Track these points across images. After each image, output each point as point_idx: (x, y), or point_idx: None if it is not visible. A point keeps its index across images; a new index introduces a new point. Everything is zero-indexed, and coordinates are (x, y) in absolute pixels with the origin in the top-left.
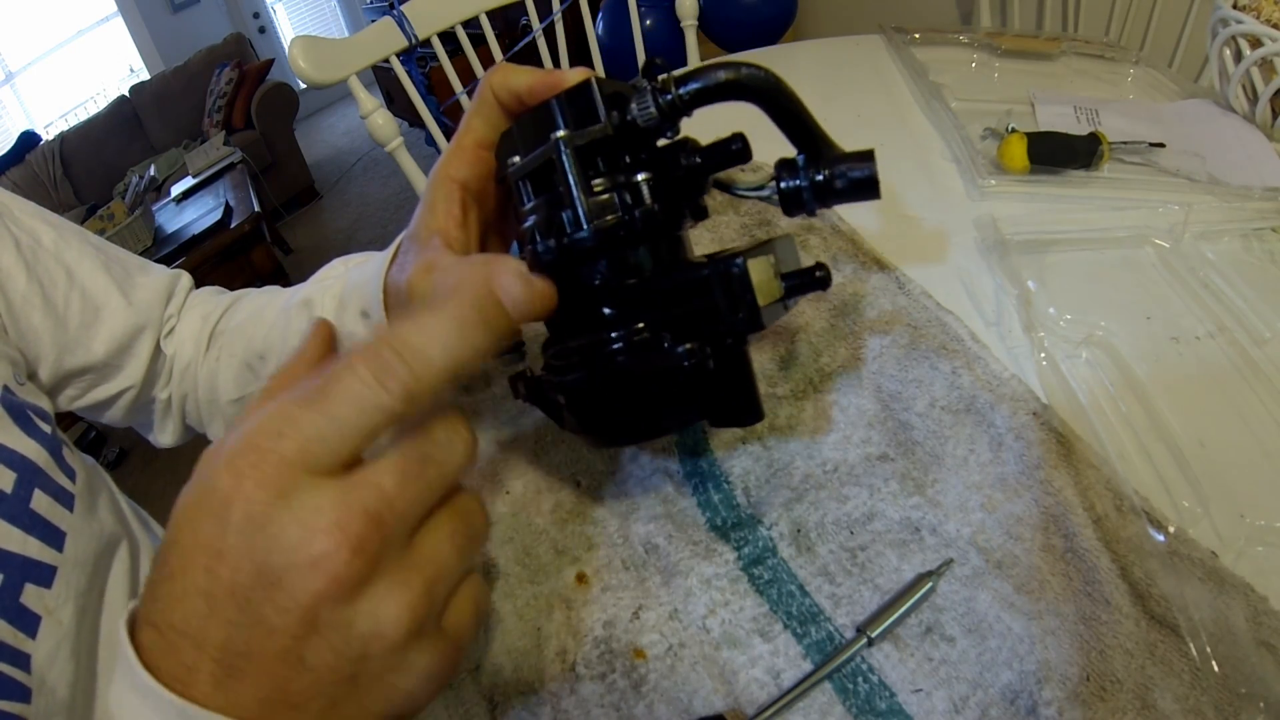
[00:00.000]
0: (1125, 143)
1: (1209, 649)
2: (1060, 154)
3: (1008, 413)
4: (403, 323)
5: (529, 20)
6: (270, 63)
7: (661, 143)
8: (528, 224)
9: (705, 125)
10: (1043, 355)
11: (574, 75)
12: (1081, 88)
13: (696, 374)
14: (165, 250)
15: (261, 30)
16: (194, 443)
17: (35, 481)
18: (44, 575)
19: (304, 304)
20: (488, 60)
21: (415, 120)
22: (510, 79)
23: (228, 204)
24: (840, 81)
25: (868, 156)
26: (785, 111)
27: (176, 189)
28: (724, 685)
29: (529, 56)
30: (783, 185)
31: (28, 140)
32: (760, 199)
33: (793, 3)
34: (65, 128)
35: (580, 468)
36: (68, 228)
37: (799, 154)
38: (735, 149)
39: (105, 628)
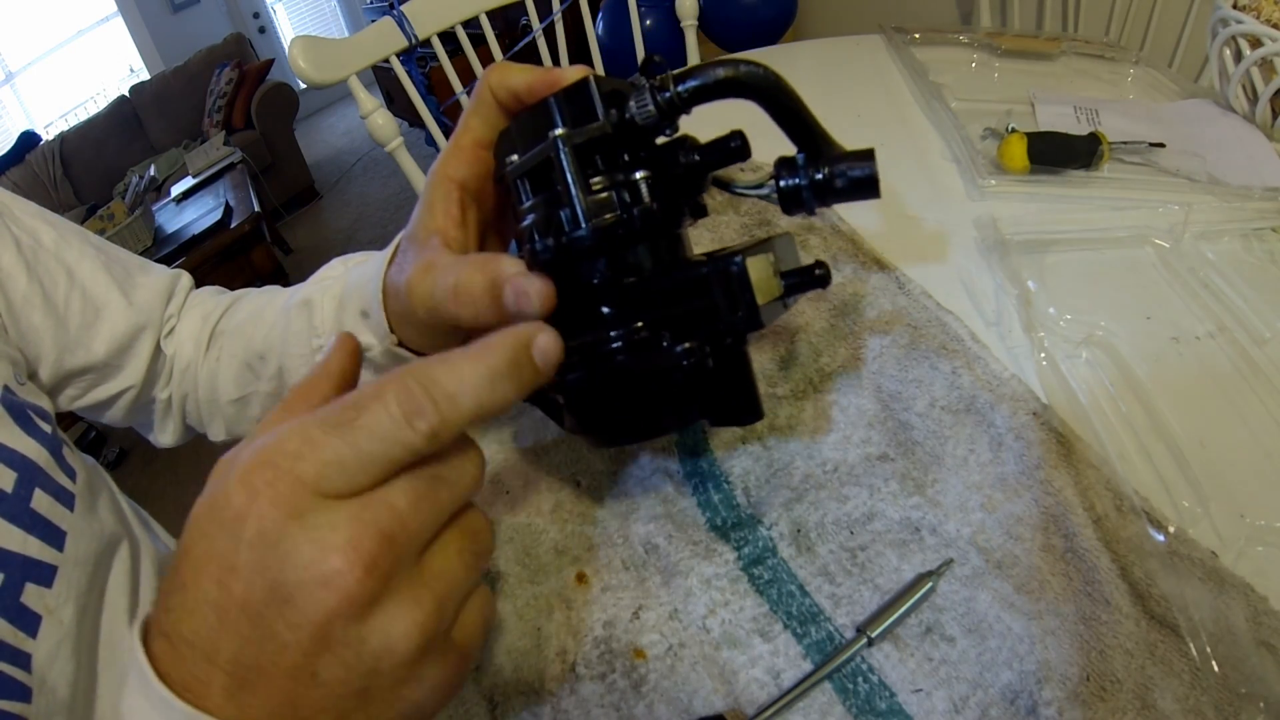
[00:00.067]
0: (1125, 143)
1: (1209, 649)
2: (1060, 154)
3: (1008, 413)
4: (436, 364)
5: (529, 20)
6: (270, 63)
7: (660, 141)
8: (526, 223)
9: (704, 124)
10: (1043, 355)
11: (572, 73)
12: (1081, 88)
13: (696, 373)
14: (165, 250)
15: (261, 30)
16: (194, 443)
17: (36, 481)
18: (44, 575)
19: (303, 304)
20: (488, 60)
21: (415, 120)
22: (508, 77)
23: (228, 204)
24: (840, 81)
25: (868, 155)
26: (785, 109)
27: (176, 189)
28: (724, 685)
29: (529, 56)
30: (782, 184)
31: (28, 140)
32: (759, 197)
33: (793, 3)
34: (65, 128)
35: (580, 468)
36: (68, 228)
37: (798, 152)
38: (734, 147)
39: (106, 627)
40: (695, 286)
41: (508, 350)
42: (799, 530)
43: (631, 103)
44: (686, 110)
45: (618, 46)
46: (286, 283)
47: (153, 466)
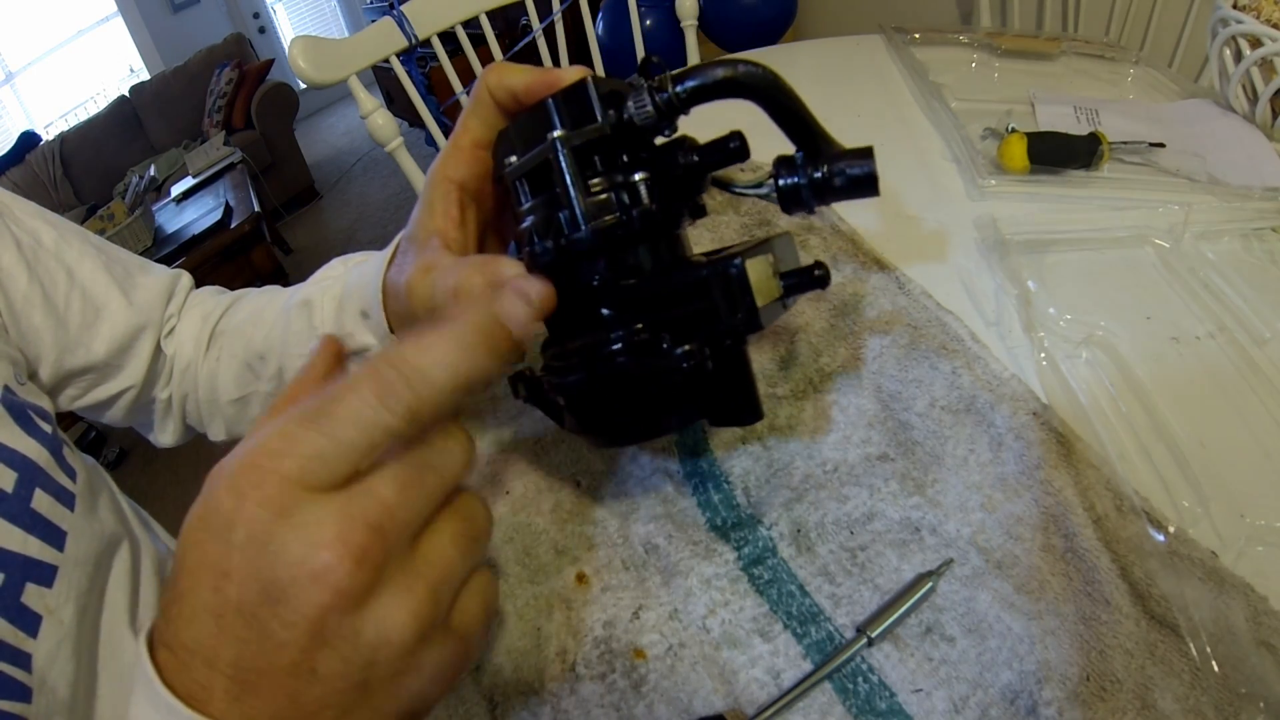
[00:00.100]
0: (1125, 143)
1: (1209, 649)
2: (1060, 154)
3: (1008, 413)
4: (406, 343)
5: (529, 20)
6: (270, 63)
7: (659, 141)
8: (525, 224)
9: (704, 124)
10: (1043, 355)
11: (570, 74)
12: (1081, 88)
13: (695, 375)
14: (165, 250)
15: (261, 30)
16: (194, 443)
17: (36, 481)
18: (45, 575)
19: (303, 304)
20: (488, 60)
21: (415, 120)
22: (506, 78)
23: (228, 204)
24: (840, 81)
25: (867, 154)
26: (783, 109)
27: (176, 189)
28: (724, 685)
29: (529, 56)
30: (781, 183)
31: (28, 140)
32: (759, 197)
33: (793, 3)
34: (65, 128)
35: (580, 468)
36: (68, 228)
37: (797, 151)
38: (733, 147)
39: (106, 627)
40: (695, 288)
41: (477, 320)
42: (799, 530)
43: (630, 103)
44: (685, 111)
45: (618, 46)
46: (286, 283)
47: (153, 466)
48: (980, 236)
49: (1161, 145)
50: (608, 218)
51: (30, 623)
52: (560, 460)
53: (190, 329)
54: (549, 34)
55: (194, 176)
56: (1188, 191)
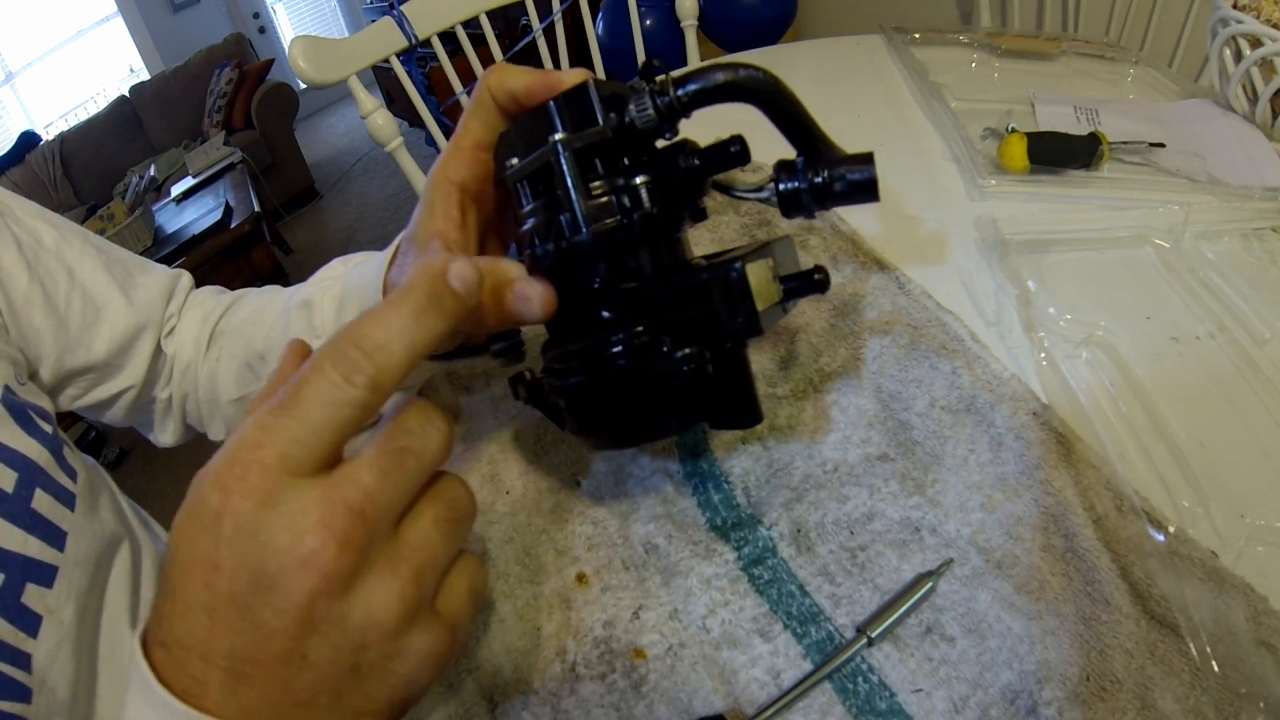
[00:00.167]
0: (1125, 143)
1: (1209, 649)
2: (1060, 154)
3: (1008, 413)
4: (362, 319)
5: (529, 20)
6: (270, 63)
7: (660, 144)
8: (526, 227)
9: (705, 124)
10: (1043, 355)
11: (571, 76)
12: (1081, 88)
13: (696, 378)
14: (165, 250)
15: (261, 30)
16: (194, 443)
17: (36, 481)
18: (45, 575)
19: (303, 305)
20: (488, 60)
21: (415, 120)
22: (507, 80)
23: (228, 204)
24: (840, 81)
25: (867, 159)
26: (784, 113)
27: (176, 189)
28: (724, 685)
29: (529, 56)
30: (781, 187)
31: (28, 140)
32: (759, 200)
33: (793, 3)
34: (65, 128)
35: (580, 468)
36: (69, 227)
37: (798, 156)
38: (734, 151)
39: (106, 627)
40: (695, 292)
41: (425, 286)
42: (799, 530)
43: (631, 107)
44: (686, 114)
45: (618, 46)
46: (286, 283)
47: (153, 466)
48: (980, 236)
49: (1161, 145)
50: (609, 221)
51: (30, 623)
52: (560, 460)
53: (190, 329)
54: (549, 34)
55: (194, 176)
56: (1188, 191)
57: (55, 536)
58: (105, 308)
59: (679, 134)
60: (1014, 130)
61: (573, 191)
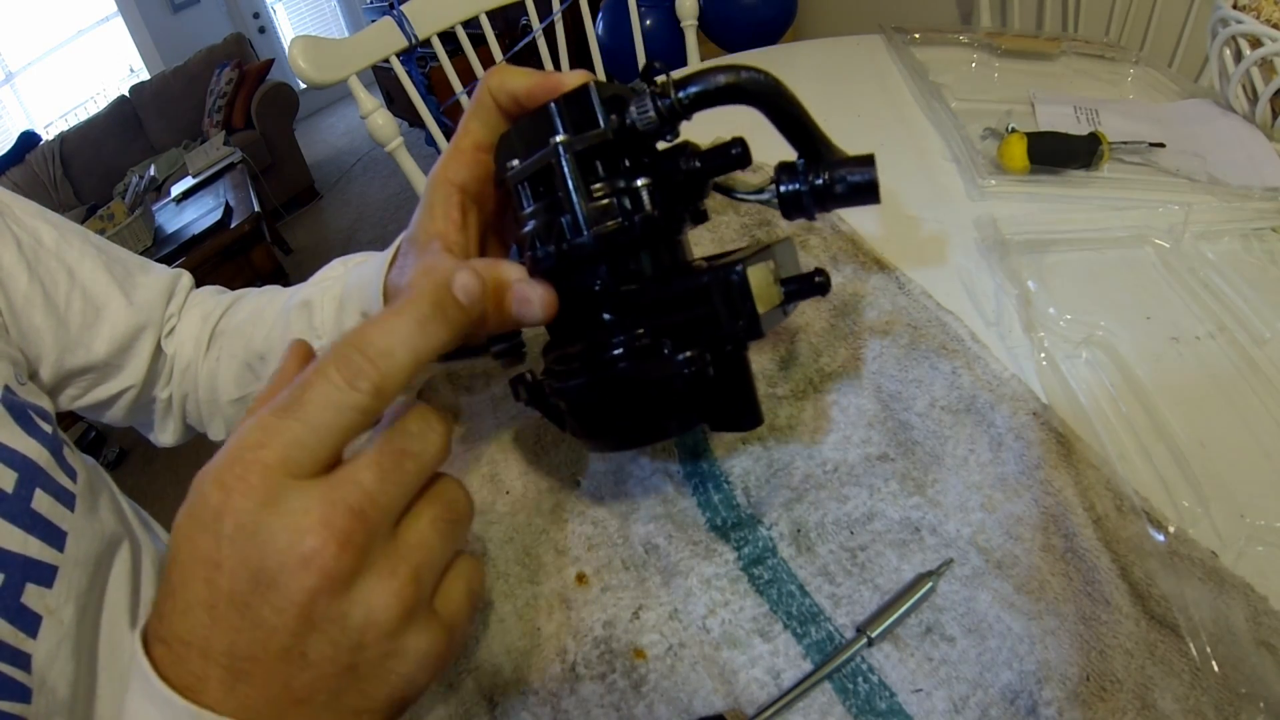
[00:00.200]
0: (1125, 143)
1: (1209, 649)
2: (1060, 154)
3: (1008, 413)
4: (366, 325)
5: (529, 20)
6: (270, 63)
7: (661, 146)
8: (527, 229)
9: (706, 123)
10: (1043, 355)
11: (572, 78)
12: (1081, 88)
13: (696, 381)
14: (165, 250)
15: (261, 30)
16: (194, 443)
17: (36, 481)
18: (45, 575)
19: (303, 305)
20: (488, 60)
21: (415, 120)
22: (508, 81)
23: (228, 204)
24: (840, 81)
25: (868, 161)
26: (785, 115)
27: (176, 189)
28: (724, 685)
29: (529, 56)
30: (782, 189)
31: (28, 140)
32: (760, 203)
33: (793, 3)
34: (65, 128)
35: (580, 468)
36: (69, 227)
37: (799, 158)
38: (735, 153)
39: (106, 627)
40: (696, 295)
41: (431, 295)
42: (799, 530)
43: (632, 108)
44: (687, 116)
45: (618, 46)
46: (286, 283)
47: (153, 466)
48: (980, 236)
49: (1161, 145)
50: (610, 223)
51: (30, 623)
52: (560, 460)
53: (190, 329)
54: (549, 34)
55: (194, 176)
56: (1188, 191)
57: (55, 536)
58: (105, 307)
59: (680, 136)
60: (1014, 130)
61: (574, 194)
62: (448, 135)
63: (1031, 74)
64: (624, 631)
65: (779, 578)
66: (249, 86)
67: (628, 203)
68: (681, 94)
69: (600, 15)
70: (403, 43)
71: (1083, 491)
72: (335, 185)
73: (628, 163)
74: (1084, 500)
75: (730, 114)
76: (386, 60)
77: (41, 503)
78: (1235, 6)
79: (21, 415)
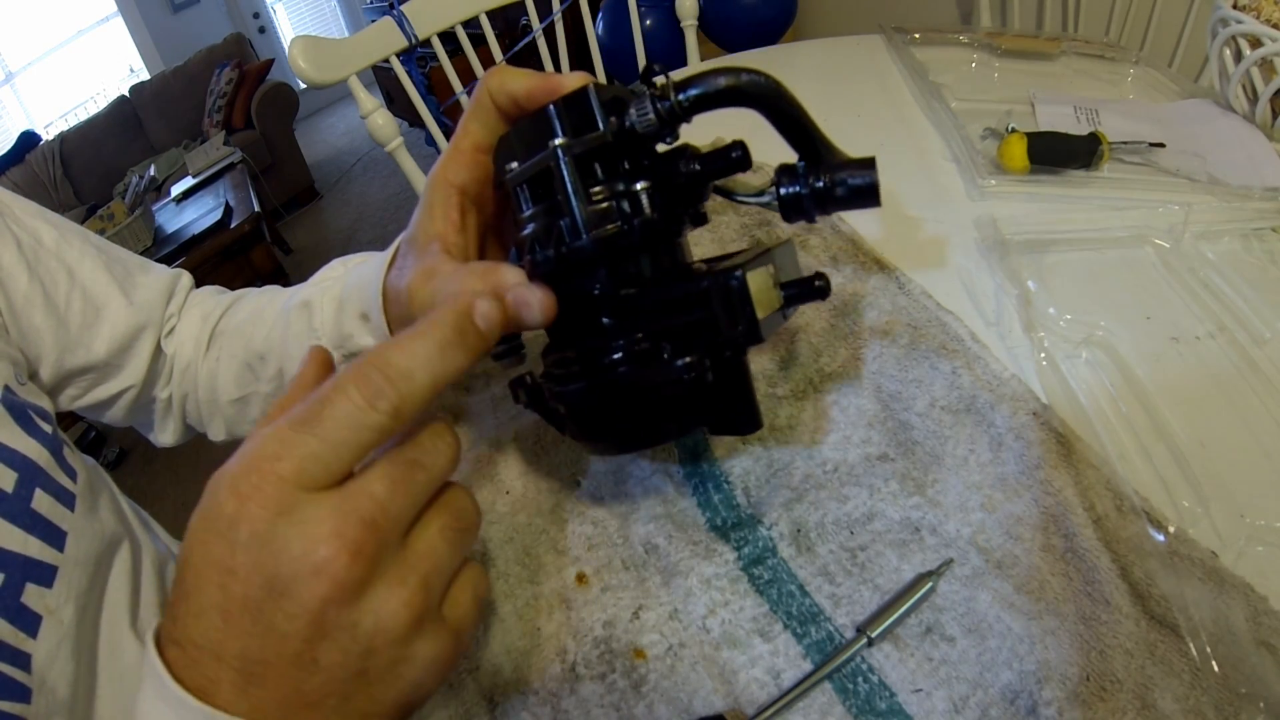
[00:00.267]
0: (1125, 143)
1: (1209, 649)
2: (1060, 154)
3: (1008, 413)
4: (388, 345)
5: (529, 20)
6: (270, 63)
7: (660, 148)
8: (526, 232)
9: (706, 123)
10: (1043, 355)
11: (572, 80)
12: (1081, 88)
13: (695, 387)
14: (165, 250)
15: (261, 30)
16: (194, 443)
17: (36, 481)
18: (45, 575)
19: (303, 306)
20: (488, 60)
21: (415, 120)
22: (507, 82)
23: (228, 204)
24: (840, 81)
25: (869, 164)
26: (786, 117)
27: (176, 189)
28: (724, 685)
29: (529, 56)
30: (783, 191)
31: (28, 140)
32: (761, 205)
33: (793, 3)
34: (65, 128)
35: (580, 468)
36: (69, 227)
37: (799, 160)
38: (735, 157)
39: (106, 627)
40: (695, 300)
41: (452, 321)
42: (799, 530)
43: (632, 111)
44: (687, 119)
45: (618, 46)
46: (286, 283)
47: (153, 466)
48: (980, 236)
49: (1161, 145)
50: (609, 227)
51: (30, 623)
52: (560, 460)
53: (190, 329)
54: (549, 34)
55: (194, 176)
56: (1188, 191)
57: (55, 536)
58: (105, 307)
59: (680, 138)
60: (1014, 130)
61: (573, 197)
62: (448, 135)
63: (1031, 74)
64: (624, 631)
65: (779, 578)
66: (249, 86)
67: (627, 206)
68: (681, 96)
69: (600, 15)
70: (403, 43)
71: (1083, 491)
72: (335, 185)
73: (627, 165)
74: (1084, 500)
75: (730, 114)
76: (386, 60)
77: (41, 503)
78: (1235, 6)
79: (21, 415)
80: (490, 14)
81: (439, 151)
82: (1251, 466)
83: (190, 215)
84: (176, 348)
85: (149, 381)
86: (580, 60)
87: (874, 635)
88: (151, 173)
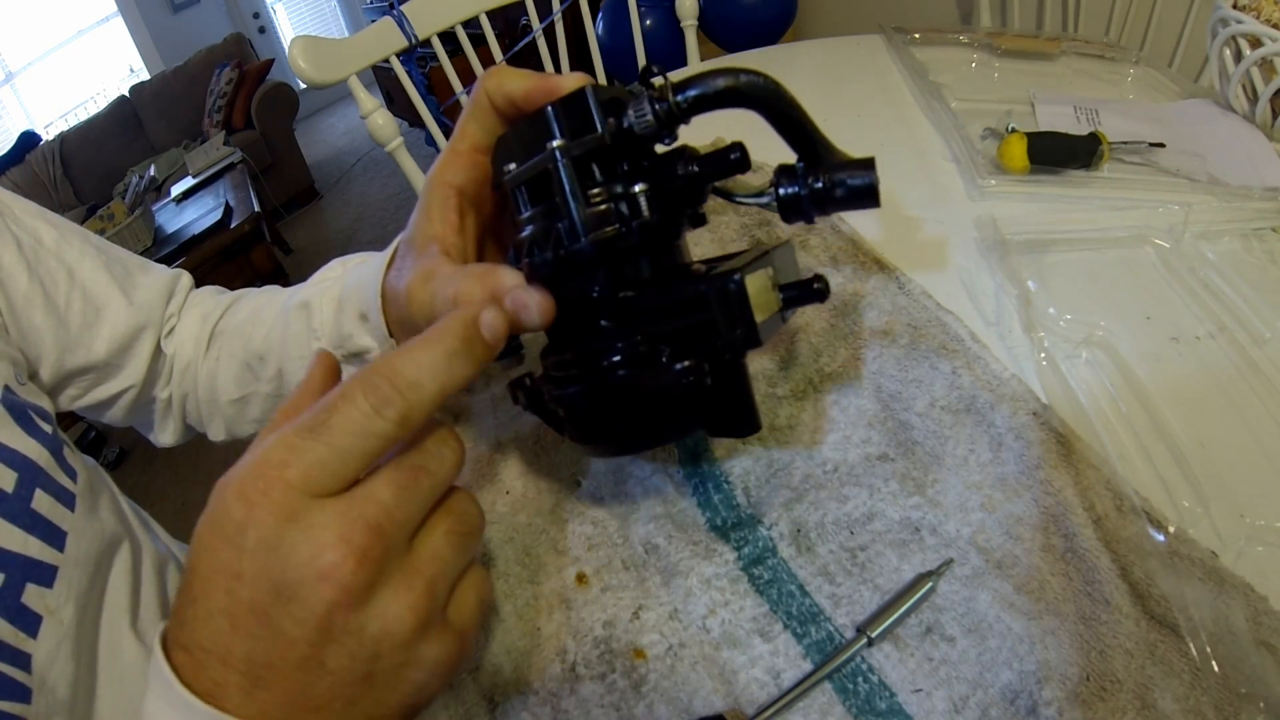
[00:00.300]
0: (1125, 143)
1: (1209, 649)
2: (1060, 154)
3: (1008, 413)
4: (396, 354)
5: (529, 20)
6: (270, 63)
7: (659, 149)
8: (524, 234)
9: (706, 123)
10: (1043, 355)
11: (570, 82)
12: (1081, 88)
13: (694, 391)
14: (165, 250)
15: (261, 30)
16: (194, 443)
17: (36, 481)
18: (45, 575)
19: (302, 306)
20: (488, 60)
21: (415, 120)
22: (505, 83)
23: (228, 204)
24: (840, 81)
25: (868, 165)
26: (785, 118)
27: (176, 189)
28: (724, 685)
29: (529, 56)
30: (781, 192)
31: (28, 140)
32: (760, 206)
33: (793, 3)
34: (65, 128)
35: (580, 468)
36: (69, 227)
37: (798, 161)
38: (734, 159)
39: (106, 628)
40: (693, 303)
41: (459, 331)
42: (799, 530)
43: (630, 112)
44: (686, 120)
45: (618, 46)
46: (286, 283)
47: (153, 466)
48: (980, 236)
49: (1161, 145)
50: (608, 230)
51: (30, 623)
52: (560, 460)
53: (190, 328)
54: (549, 34)
55: (194, 176)
56: (1188, 191)
57: (55, 536)
58: (105, 307)
59: (678, 138)
60: (1014, 130)
61: (571, 200)
62: (448, 135)
63: (1031, 74)
64: (624, 631)
65: (779, 578)
66: (249, 86)
67: (625, 209)
68: (680, 98)
69: (600, 15)
70: (403, 43)
71: (1083, 491)
72: (335, 185)
73: (625, 167)
74: (1084, 500)
75: (730, 113)
76: (386, 60)
77: (42, 503)
78: (1235, 6)
79: (21, 415)
80: (490, 14)
81: (439, 151)
82: (1251, 466)
83: (190, 215)
84: (176, 348)
85: (149, 381)
86: (580, 60)
87: (874, 635)
88: (151, 173)
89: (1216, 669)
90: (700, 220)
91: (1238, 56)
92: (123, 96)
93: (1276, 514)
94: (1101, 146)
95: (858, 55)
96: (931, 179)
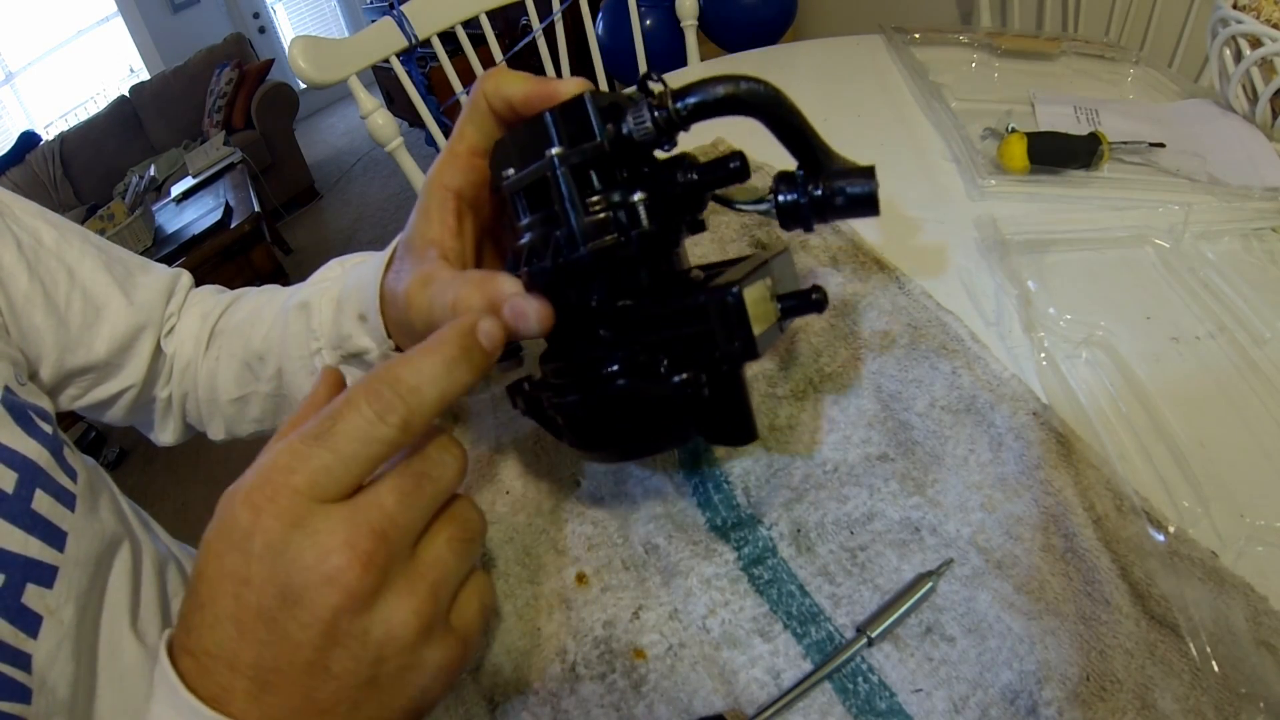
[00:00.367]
0: (1125, 143)
1: (1209, 649)
2: (1060, 154)
3: (1008, 413)
4: (398, 362)
5: (529, 20)
6: (270, 63)
7: (659, 155)
8: (523, 241)
9: (708, 121)
10: (1043, 355)
11: (569, 87)
12: (1081, 88)
13: (691, 401)
14: (165, 250)
15: (261, 30)
16: (194, 443)
17: (37, 482)
18: (45, 575)
19: (301, 306)
20: (488, 60)
21: (415, 120)
22: (504, 87)
23: (228, 204)
24: (840, 81)
25: (868, 173)
26: (785, 125)
27: (176, 189)
28: (724, 685)
29: (529, 56)
30: (781, 199)
31: (28, 140)
32: (759, 213)
33: (793, 3)
34: (65, 128)
35: (580, 468)
36: (69, 227)
37: (798, 168)
38: (734, 167)
39: (106, 628)
40: (692, 314)
41: (458, 340)
42: (799, 530)
43: (629, 119)
44: (685, 127)
45: (618, 47)
46: (286, 283)
47: (153, 466)
48: (980, 236)
49: (1161, 145)
50: (606, 239)
51: (30, 623)
52: (560, 461)
53: (190, 328)
54: (549, 34)
55: (194, 176)
56: (1188, 191)
57: (55, 537)
58: (105, 307)
59: (678, 145)
60: (1014, 130)
61: (569, 208)
62: (447, 135)
63: (1031, 74)
64: (624, 631)
65: (779, 578)
66: (249, 86)
67: (624, 217)
68: (679, 104)
69: (600, 15)
70: (403, 43)
71: (1083, 491)
72: (335, 185)
73: (624, 174)
74: (1084, 500)
75: (729, 117)
76: (386, 60)
77: (42, 503)
78: (1235, 6)
79: (21, 415)
80: (490, 14)
81: (439, 151)
82: (1251, 466)
83: (190, 215)
84: (176, 347)
85: (149, 381)
86: (580, 60)
87: (874, 635)
88: (151, 173)
89: (1216, 669)
90: (699, 227)
91: (1238, 56)
92: (123, 96)
93: (1276, 514)
94: (1101, 146)
95: (857, 55)
96: (931, 179)
